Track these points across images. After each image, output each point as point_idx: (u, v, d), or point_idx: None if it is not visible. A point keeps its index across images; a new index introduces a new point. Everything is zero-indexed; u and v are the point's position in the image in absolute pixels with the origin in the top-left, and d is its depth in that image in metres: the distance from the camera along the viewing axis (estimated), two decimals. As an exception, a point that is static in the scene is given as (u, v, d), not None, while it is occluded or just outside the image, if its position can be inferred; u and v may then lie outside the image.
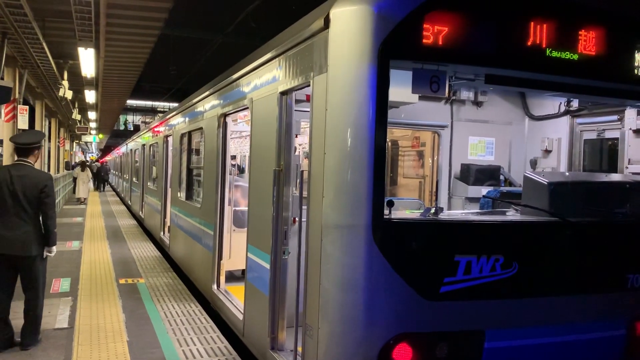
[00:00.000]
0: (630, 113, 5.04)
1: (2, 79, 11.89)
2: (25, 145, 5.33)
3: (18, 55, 13.52)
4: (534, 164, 6.17)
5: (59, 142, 28.62)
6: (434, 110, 5.99)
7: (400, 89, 3.69)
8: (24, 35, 11.13)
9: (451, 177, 6.16)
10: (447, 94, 4.91)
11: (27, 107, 14.30)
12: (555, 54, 3.65)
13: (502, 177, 6.21)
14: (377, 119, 3.28)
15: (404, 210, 4.59)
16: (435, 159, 6.25)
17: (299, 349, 4.04)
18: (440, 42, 3.33)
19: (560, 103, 5.81)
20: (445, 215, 3.88)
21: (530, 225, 3.85)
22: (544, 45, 3.60)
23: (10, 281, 5.27)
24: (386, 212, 3.33)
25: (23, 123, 13.84)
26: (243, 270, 7.17)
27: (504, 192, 5.12)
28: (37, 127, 20.19)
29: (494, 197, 4.89)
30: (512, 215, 4.28)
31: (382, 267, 3.28)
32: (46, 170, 22.40)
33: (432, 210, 3.64)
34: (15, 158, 5.34)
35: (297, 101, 4.64)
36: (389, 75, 3.31)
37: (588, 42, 3.72)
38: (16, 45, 12.31)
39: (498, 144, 6.30)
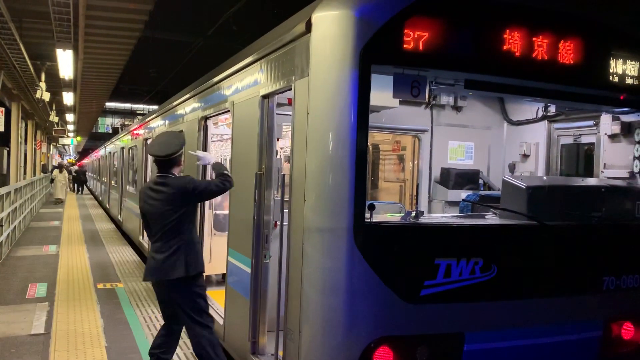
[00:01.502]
0: (605, 119, 5.15)
1: (-23, 80, 11.66)
2: (167, 157, 4.36)
3: (-6, 56, 13.27)
4: (512, 168, 6.26)
5: (35, 144, 28.12)
6: (414, 114, 6.04)
7: (381, 94, 3.72)
8: (0, 36, 10.94)
9: (431, 180, 6.22)
10: (427, 99, 4.96)
11: (3, 109, 14.08)
12: (533, 60, 3.72)
13: (481, 181, 6.28)
14: (358, 123, 3.30)
15: (385, 213, 4.62)
16: (415, 162, 6.30)
17: (280, 353, 4.03)
18: (421, 48, 3.37)
19: (538, 108, 5.91)
20: (426, 218, 3.92)
21: (509, 228, 3.91)
22: (522, 52, 3.67)
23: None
24: (367, 215, 3.35)
25: (-1, 125, 13.60)
26: (223, 275, 7.15)
27: (483, 196, 5.19)
28: (13, 130, 19.83)
29: (473, 201, 4.95)
30: (491, 218, 4.33)
31: (363, 270, 3.29)
32: (22, 174, 22.02)
33: (413, 214, 3.67)
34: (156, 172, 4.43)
35: (279, 105, 4.64)
36: (370, 79, 3.33)
37: (565, 49, 3.80)
38: (-8, 45, 12.08)
39: (477, 149, 6.38)
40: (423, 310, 3.44)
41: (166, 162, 4.32)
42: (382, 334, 3.35)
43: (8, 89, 17.79)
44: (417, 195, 6.18)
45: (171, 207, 4.20)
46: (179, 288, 4.23)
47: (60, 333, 5.71)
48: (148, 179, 11.09)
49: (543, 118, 5.93)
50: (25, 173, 23.55)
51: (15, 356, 5.03)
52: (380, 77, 3.54)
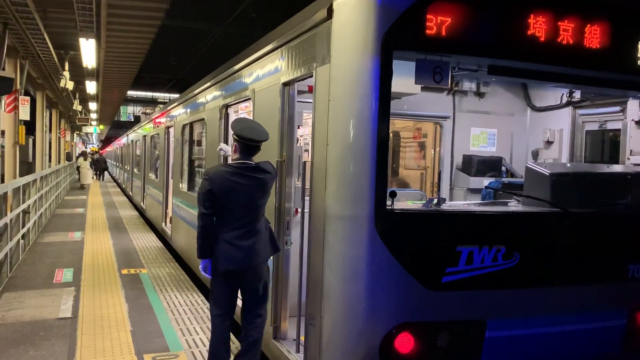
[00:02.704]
0: (632, 104, 5.04)
1: (4, 69, 11.87)
2: (261, 143, 4.23)
3: (19, 46, 13.50)
4: (535, 155, 6.18)
5: (59, 133, 28.62)
6: (436, 101, 5.99)
7: (403, 80, 3.69)
8: (25, 26, 11.11)
9: (453, 168, 6.18)
10: (449, 85, 4.91)
11: (28, 98, 14.31)
12: (558, 45, 3.65)
13: (503, 168, 6.22)
14: (380, 110, 3.29)
15: (406, 201, 4.61)
16: (437, 150, 6.26)
17: (302, 338, 4.08)
18: (444, 33, 3.33)
19: (563, 94, 5.81)
20: (447, 206, 3.90)
21: (532, 215, 3.87)
22: (547, 37, 3.60)
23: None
24: (388, 203, 3.35)
25: (24, 114, 13.86)
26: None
27: (506, 183, 5.14)
28: (38, 118, 20.21)
29: (496, 188, 4.91)
30: (513, 206, 4.29)
31: (385, 257, 3.30)
32: (47, 162, 22.46)
33: (435, 201, 3.66)
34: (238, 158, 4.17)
35: (300, 92, 4.65)
36: (392, 66, 3.31)
37: (591, 33, 3.72)
38: (17, 36, 12.29)
39: (500, 135, 6.31)
40: (444, 297, 3.44)
41: (256, 148, 4.23)
42: (403, 320, 3.37)
43: (33, 79, 18.11)
44: (438, 183, 6.15)
45: (263, 193, 4.18)
46: (262, 270, 4.22)
47: (87, 317, 5.85)
48: (170, 167, 11.22)
49: (567, 104, 5.83)
50: (50, 161, 24.02)
51: (45, 339, 5.18)
52: (402, 64, 3.51)
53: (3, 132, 13.44)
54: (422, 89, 5.11)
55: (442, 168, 6.17)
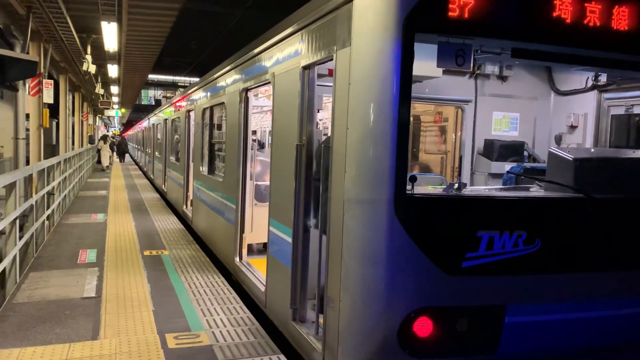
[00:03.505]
0: (660, 88, 4.91)
1: (28, 53, 12.03)
2: None
3: (43, 30, 13.65)
4: (558, 139, 6.09)
5: (82, 116, 29.01)
6: (457, 85, 5.92)
7: (424, 63, 3.65)
8: (48, 10, 11.23)
9: (474, 153, 6.11)
10: (471, 68, 4.84)
11: (51, 81, 14.49)
12: (585, 27, 3.56)
13: (525, 153, 6.14)
14: (401, 94, 3.26)
15: (426, 186, 4.59)
16: (458, 134, 6.20)
17: (321, 320, 4.12)
18: (467, 15, 3.28)
19: (588, 78, 5.69)
20: (468, 191, 3.87)
21: (554, 201, 3.82)
22: (573, 18, 3.52)
23: None
24: (409, 187, 3.34)
25: (48, 97, 14.05)
26: (264, 244, 7.29)
27: (528, 168, 5.08)
28: (61, 102, 20.49)
29: (518, 173, 4.85)
30: (535, 191, 4.24)
31: (404, 242, 3.30)
32: (70, 145, 22.81)
33: (455, 186, 3.64)
34: None
35: (319, 75, 4.63)
36: (414, 49, 3.27)
37: (619, 14, 3.62)
38: (41, 19, 12.43)
39: (522, 120, 6.22)
40: (464, 282, 3.43)
41: None
42: (422, 305, 3.37)
43: (56, 62, 18.33)
44: (459, 168, 6.10)
45: None
46: None
47: (110, 297, 5.98)
48: (191, 150, 11.31)
49: (593, 88, 5.71)
50: (73, 144, 24.40)
51: (70, 317, 5.31)
52: (424, 46, 3.47)
53: (28, 115, 13.66)
54: (444, 72, 5.04)
55: (463, 153, 6.11)
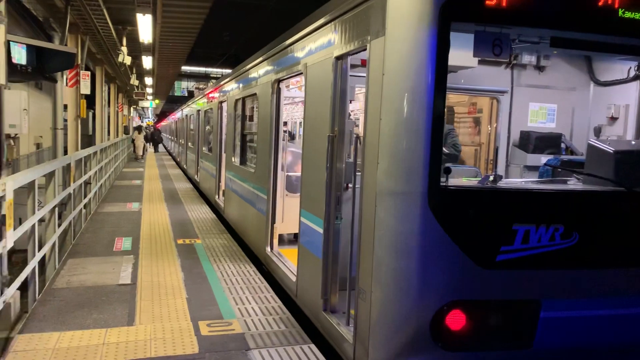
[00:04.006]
0: None
1: (66, 45, 12.32)
2: None
3: (80, 22, 13.95)
4: (598, 131, 5.91)
5: (117, 107, 29.62)
6: (493, 75, 5.80)
7: (459, 53, 3.58)
8: (85, 2, 11.46)
9: (509, 144, 6.00)
10: (508, 58, 4.74)
11: (88, 72, 14.81)
12: (628, 14, 3.44)
13: (563, 145, 5.99)
14: (436, 84, 3.21)
15: (460, 178, 4.52)
16: (493, 126, 6.09)
17: (352, 311, 4.12)
18: (504, 4, 3.20)
19: (630, 67, 5.50)
20: (504, 183, 3.80)
21: (593, 194, 3.72)
22: (615, 5, 3.40)
23: None
24: (443, 179, 3.30)
25: (85, 88, 14.37)
26: (295, 234, 7.33)
27: (565, 161, 4.96)
28: (98, 93, 20.95)
29: (555, 166, 4.74)
30: (573, 184, 4.14)
31: (437, 234, 3.27)
32: (106, 135, 23.33)
33: (491, 178, 3.58)
34: None
35: (352, 66, 4.60)
36: (450, 38, 3.22)
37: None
38: (78, 12, 12.70)
39: (560, 111, 6.06)
40: (498, 275, 3.38)
41: None
42: (455, 298, 3.34)
43: (92, 54, 18.72)
44: (495, 160, 5.99)
45: None
46: None
47: (145, 284, 6.12)
48: (223, 141, 11.43)
49: (635, 78, 5.51)
50: (108, 134, 24.95)
51: (107, 303, 5.46)
52: (459, 35, 3.41)
53: (66, 106, 14.01)
54: (479, 62, 4.95)
55: (497, 144, 6.00)
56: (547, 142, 5.81)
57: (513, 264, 3.36)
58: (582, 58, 5.89)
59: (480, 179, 4.02)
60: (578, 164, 4.56)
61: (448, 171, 3.31)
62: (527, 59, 5.68)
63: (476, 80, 5.70)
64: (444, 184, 3.31)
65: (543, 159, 5.41)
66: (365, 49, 3.86)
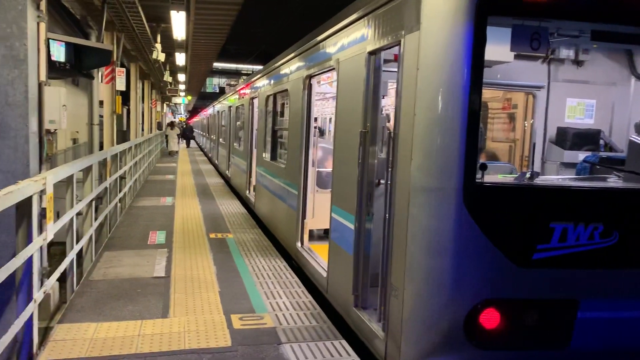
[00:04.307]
0: None
1: (102, 42, 12.58)
2: None
3: (116, 20, 14.22)
4: (639, 128, 5.72)
5: (151, 103, 30.14)
6: (528, 69, 5.68)
7: (495, 47, 3.52)
8: (121, 0, 11.68)
9: (545, 141, 5.87)
10: (545, 53, 4.64)
11: (124, 69, 15.09)
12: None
13: (602, 142, 5.82)
14: (472, 79, 3.17)
15: (495, 174, 4.45)
16: (529, 122, 5.96)
17: (382, 308, 4.11)
18: (543, -4, 3.13)
19: (674, 61, 5.31)
20: (541, 180, 3.72)
21: (634, 192, 3.61)
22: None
23: None
24: (478, 175, 3.25)
25: (121, 85, 14.66)
26: (325, 230, 7.34)
27: (604, 158, 4.82)
28: (132, 89, 21.34)
29: (594, 162, 4.61)
30: (613, 181, 4.03)
31: (472, 231, 3.23)
32: (140, 131, 23.78)
33: (528, 175, 3.51)
34: None
35: (385, 61, 4.56)
36: (486, 32, 3.16)
37: None
38: (114, 10, 12.94)
39: (599, 107, 5.89)
40: (535, 274, 3.32)
41: None
42: (489, 296, 3.30)
43: (127, 51, 19.07)
44: (532, 156, 5.87)
45: None
46: None
47: (179, 277, 6.22)
48: (254, 137, 11.51)
49: (680, 72, 5.32)
50: (142, 130, 25.41)
51: (142, 295, 5.57)
52: (495, 29, 3.34)
53: (102, 102, 14.33)
54: (514, 56, 4.85)
55: (534, 141, 5.88)
56: (585, 138, 5.67)
57: (550, 262, 3.29)
58: (623, 52, 5.71)
59: (515, 175, 3.95)
60: (618, 161, 4.43)
61: (484, 167, 3.26)
62: (565, 53, 5.54)
63: (510, 75, 5.59)
64: (480, 180, 3.26)
65: (581, 155, 5.27)
66: (399, 44, 3.82)
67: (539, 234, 3.27)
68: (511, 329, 3.36)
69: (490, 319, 3.31)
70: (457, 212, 3.23)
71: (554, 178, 4.68)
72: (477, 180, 3.24)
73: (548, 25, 3.35)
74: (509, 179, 3.94)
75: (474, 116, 3.19)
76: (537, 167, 5.78)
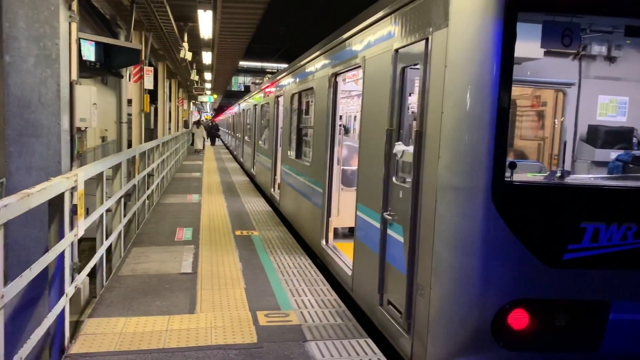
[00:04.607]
0: None
1: (131, 42, 12.78)
2: None
3: (144, 19, 14.43)
4: (674, 126, 5.56)
5: (178, 102, 30.51)
6: (558, 66, 5.56)
7: (524, 43, 3.46)
8: (150, 0, 11.84)
9: (576, 139, 5.74)
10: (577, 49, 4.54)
11: (151, 68, 15.31)
12: None
13: (635, 140, 5.68)
14: (501, 76, 3.12)
15: (524, 173, 4.38)
16: (559, 119, 5.84)
17: (409, 307, 4.08)
18: (575, -9, 3.07)
19: None
20: (572, 179, 3.65)
21: None
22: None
23: None
24: (507, 174, 3.21)
25: (149, 83, 14.88)
26: (349, 228, 7.32)
27: (637, 156, 4.70)
28: (160, 88, 21.64)
29: (627, 161, 4.50)
30: None
31: (501, 231, 3.19)
32: (167, 129, 24.10)
33: (558, 174, 3.44)
34: None
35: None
36: (516, 29, 3.11)
37: None
38: (143, 9, 13.14)
39: (632, 104, 5.74)
40: (565, 274, 3.26)
41: None
42: (518, 296, 3.25)
43: (155, 50, 19.33)
44: (562, 155, 5.76)
45: None
46: None
47: (205, 273, 6.29)
48: (279, 135, 11.57)
49: None
50: (170, 128, 25.75)
51: (169, 291, 5.65)
52: (524, 25, 3.29)
53: (130, 101, 14.57)
54: (545, 52, 4.76)
55: (564, 139, 5.76)
56: (618, 136, 5.52)
57: (581, 263, 3.23)
58: (658, 48, 5.55)
59: (545, 174, 3.88)
60: (652, 159, 4.32)
61: (513, 166, 3.22)
62: (597, 49, 5.41)
63: (539, 71, 5.48)
64: (509, 179, 3.22)
65: (613, 154, 5.15)
66: (426, 41, 3.79)
67: (570, 233, 3.21)
68: (540, 330, 3.31)
69: (518, 319, 3.26)
70: (485, 211, 3.19)
71: (585, 177, 4.59)
72: (506, 179, 3.19)
73: (580, 21, 3.28)
74: (538, 177, 3.88)
75: (503, 114, 3.15)
76: (567, 165, 5.67)
